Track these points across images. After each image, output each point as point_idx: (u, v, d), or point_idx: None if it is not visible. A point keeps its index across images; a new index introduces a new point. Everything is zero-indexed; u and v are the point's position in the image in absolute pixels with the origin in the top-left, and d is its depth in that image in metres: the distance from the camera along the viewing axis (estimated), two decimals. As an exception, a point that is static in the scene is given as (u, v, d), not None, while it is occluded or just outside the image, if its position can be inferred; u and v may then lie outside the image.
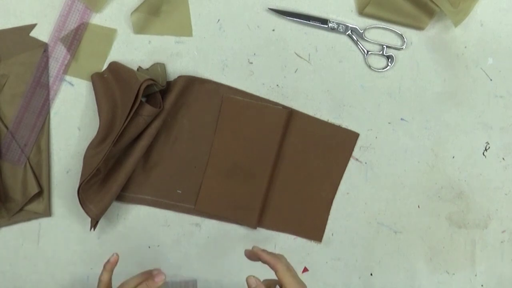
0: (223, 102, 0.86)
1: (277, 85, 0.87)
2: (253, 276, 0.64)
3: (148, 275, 0.67)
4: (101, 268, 0.69)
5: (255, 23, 0.87)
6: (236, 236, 0.87)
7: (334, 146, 0.88)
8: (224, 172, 0.86)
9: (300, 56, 0.87)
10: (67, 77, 0.85)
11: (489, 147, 0.90)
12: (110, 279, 0.68)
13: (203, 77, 0.86)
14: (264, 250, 0.67)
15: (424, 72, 0.88)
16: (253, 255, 0.68)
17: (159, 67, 0.85)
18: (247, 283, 0.64)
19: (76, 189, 0.81)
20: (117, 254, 0.68)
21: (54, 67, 0.85)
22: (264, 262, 0.66)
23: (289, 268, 0.65)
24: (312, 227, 0.88)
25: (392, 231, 0.89)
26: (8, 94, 0.84)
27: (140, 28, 0.85)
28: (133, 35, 0.85)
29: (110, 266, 0.68)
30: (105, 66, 0.85)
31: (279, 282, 0.64)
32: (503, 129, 0.90)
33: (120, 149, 0.82)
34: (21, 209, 0.84)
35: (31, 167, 0.84)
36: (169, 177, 0.86)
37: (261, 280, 0.65)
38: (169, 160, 0.86)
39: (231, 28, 0.87)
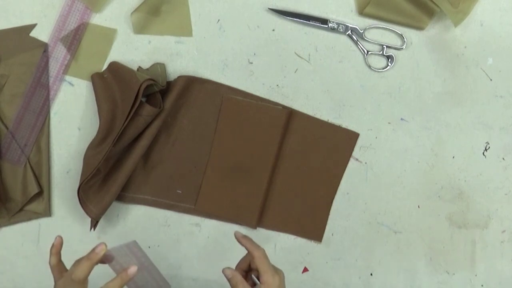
0: (223, 102, 0.86)
1: (277, 85, 0.87)
2: (228, 268, 0.66)
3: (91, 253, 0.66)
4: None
5: (255, 23, 0.87)
6: (236, 236, 0.88)
7: (334, 146, 0.88)
8: (224, 172, 0.86)
9: (300, 56, 0.87)
10: (67, 77, 0.85)
11: (489, 147, 0.90)
12: (59, 261, 0.69)
13: (203, 77, 0.86)
14: (245, 237, 0.68)
15: (424, 72, 0.88)
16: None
17: (159, 67, 0.85)
18: (224, 275, 0.66)
19: (76, 189, 0.81)
20: (60, 237, 0.69)
21: (54, 67, 0.85)
22: (243, 246, 0.67)
23: (266, 256, 0.66)
24: (312, 227, 0.88)
25: (392, 231, 0.89)
26: (8, 94, 0.84)
27: (140, 28, 0.85)
28: (133, 35, 0.85)
29: (55, 249, 0.69)
30: (105, 66, 0.85)
31: (256, 269, 0.66)
32: (503, 129, 0.90)
33: (120, 149, 0.82)
34: (21, 209, 0.84)
35: (31, 167, 0.84)
36: (169, 177, 0.86)
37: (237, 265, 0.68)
38: (169, 160, 0.86)
39: (231, 28, 0.86)
